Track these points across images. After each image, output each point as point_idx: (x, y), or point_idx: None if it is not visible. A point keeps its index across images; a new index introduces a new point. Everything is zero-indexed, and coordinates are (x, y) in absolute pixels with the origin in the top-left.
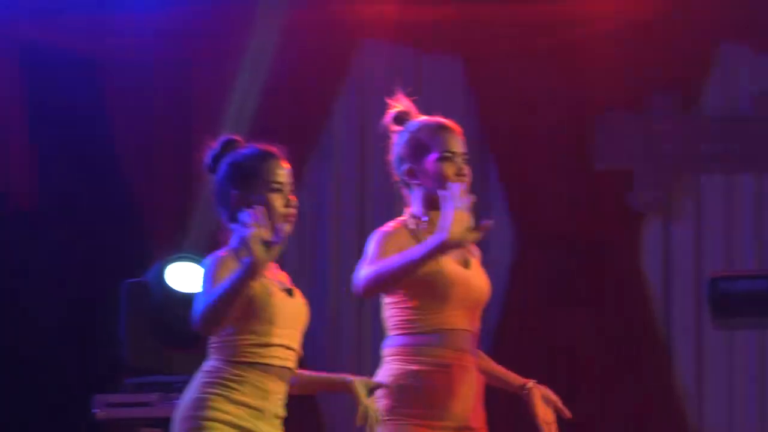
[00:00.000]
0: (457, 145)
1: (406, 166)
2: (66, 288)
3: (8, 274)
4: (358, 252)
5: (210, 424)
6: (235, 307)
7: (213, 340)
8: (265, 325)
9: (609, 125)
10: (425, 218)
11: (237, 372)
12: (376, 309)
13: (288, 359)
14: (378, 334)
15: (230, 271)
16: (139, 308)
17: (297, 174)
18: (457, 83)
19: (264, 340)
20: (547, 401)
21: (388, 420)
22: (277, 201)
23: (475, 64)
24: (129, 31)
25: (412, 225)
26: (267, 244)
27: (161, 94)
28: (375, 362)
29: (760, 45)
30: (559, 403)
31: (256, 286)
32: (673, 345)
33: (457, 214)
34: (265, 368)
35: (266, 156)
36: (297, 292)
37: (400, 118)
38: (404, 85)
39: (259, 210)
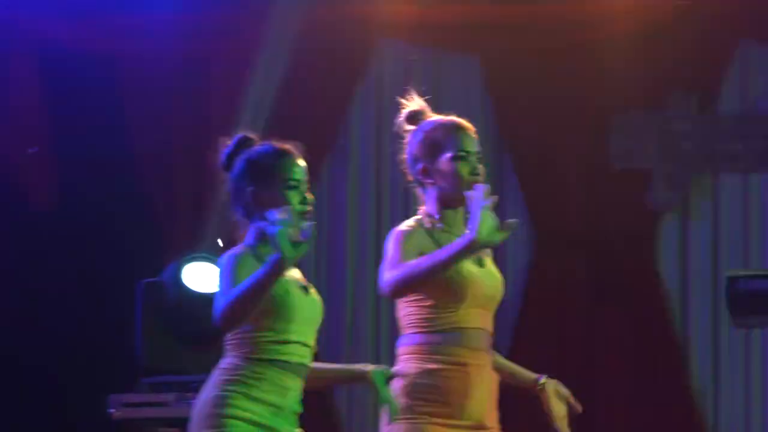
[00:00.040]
0: (472, 144)
1: (420, 166)
2: (82, 288)
3: (26, 275)
4: (374, 250)
5: (230, 421)
6: (258, 303)
7: (230, 337)
8: (284, 322)
9: (627, 125)
10: (438, 217)
11: (256, 369)
12: (393, 307)
13: (305, 356)
14: (395, 332)
15: (249, 268)
16: (155, 308)
17: (314, 172)
18: (475, 84)
19: (282, 337)
20: (560, 396)
21: (403, 418)
22: (294, 198)
23: (492, 64)
24: (147, 32)
25: (427, 224)
26: (294, 243)
27: (178, 94)
28: (391, 360)
29: None
30: (572, 398)
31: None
32: (690, 344)
33: (483, 214)
34: (284, 365)
35: (282, 153)
36: (312, 289)
37: (414, 118)
38: (421, 85)
39: (287, 208)
